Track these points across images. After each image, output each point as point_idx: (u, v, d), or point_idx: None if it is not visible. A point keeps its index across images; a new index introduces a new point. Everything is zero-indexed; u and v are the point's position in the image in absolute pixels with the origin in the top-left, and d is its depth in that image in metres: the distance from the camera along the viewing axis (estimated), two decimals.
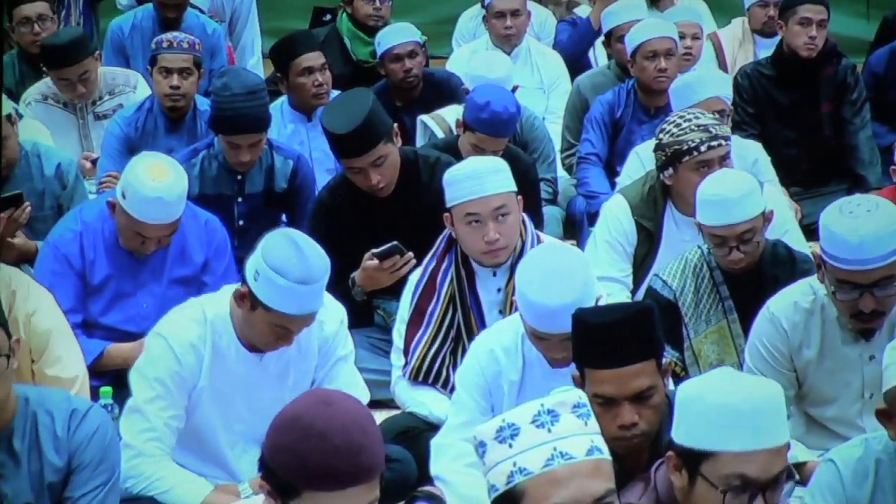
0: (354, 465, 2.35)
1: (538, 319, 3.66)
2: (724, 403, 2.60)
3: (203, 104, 5.99)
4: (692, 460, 2.63)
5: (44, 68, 6.33)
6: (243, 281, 3.70)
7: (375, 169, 4.84)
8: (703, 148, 4.64)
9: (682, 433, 2.65)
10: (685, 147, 4.65)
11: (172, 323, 3.84)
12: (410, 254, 4.70)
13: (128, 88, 6.28)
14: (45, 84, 6.40)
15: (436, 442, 3.95)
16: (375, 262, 4.73)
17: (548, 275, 3.64)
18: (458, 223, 4.32)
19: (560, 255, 3.79)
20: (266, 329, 3.71)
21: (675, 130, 4.70)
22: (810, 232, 5.14)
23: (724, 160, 4.67)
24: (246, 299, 3.69)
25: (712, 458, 2.60)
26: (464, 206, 4.29)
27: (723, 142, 4.67)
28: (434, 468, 3.90)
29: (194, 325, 3.80)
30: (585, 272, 3.71)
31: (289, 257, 3.62)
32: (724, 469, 2.58)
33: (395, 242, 4.73)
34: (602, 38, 7.02)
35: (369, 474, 2.38)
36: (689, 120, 4.70)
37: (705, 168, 4.61)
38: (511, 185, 4.32)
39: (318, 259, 3.67)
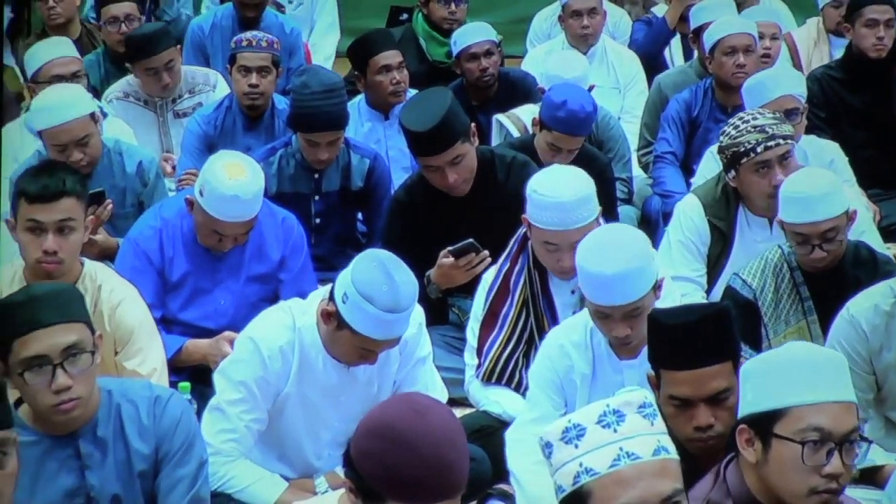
0: (442, 482, 2.39)
1: (596, 291, 3.67)
2: (790, 360, 2.63)
3: (281, 103, 6.04)
4: (765, 424, 2.64)
5: (128, 65, 6.41)
6: (331, 298, 3.70)
7: (452, 168, 4.85)
8: (759, 149, 4.62)
9: (751, 402, 2.67)
10: (742, 149, 4.64)
11: (262, 327, 3.85)
12: (485, 252, 4.71)
13: (207, 87, 6.35)
14: (126, 82, 6.48)
15: (509, 435, 3.97)
16: (451, 259, 4.75)
17: (604, 245, 3.68)
18: (535, 238, 4.30)
19: (617, 229, 3.86)
20: (350, 349, 3.73)
21: (733, 132, 4.69)
22: (889, 233, 5.11)
23: (784, 159, 4.64)
24: (332, 318, 3.69)
25: (785, 416, 2.61)
26: (543, 232, 4.25)
27: (781, 141, 4.64)
28: (508, 462, 3.92)
29: (284, 331, 3.81)
30: (643, 246, 3.73)
31: (379, 285, 3.60)
32: (798, 423, 2.60)
33: (470, 240, 4.75)
34: (678, 35, 7.00)
35: (455, 491, 2.41)
36: (747, 121, 4.69)
37: (764, 169, 4.60)
38: (594, 213, 4.26)
39: (407, 287, 3.64)
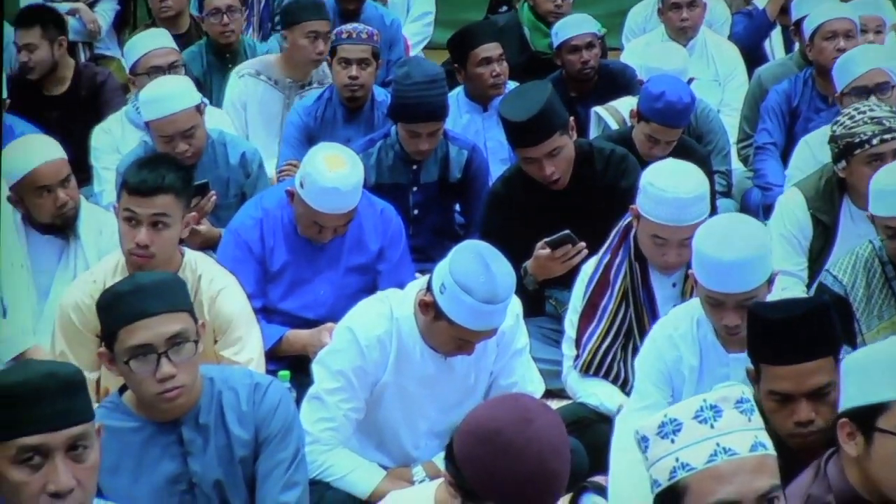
0: (544, 492, 2.43)
1: (712, 277, 3.65)
2: (891, 354, 2.60)
3: (380, 94, 6.07)
4: (867, 418, 2.61)
5: (283, 31, 6.49)
6: (428, 289, 3.72)
7: (550, 160, 4.85)
8: (874, 141, 4.56)
9: (853, 396, 2.64)
10: (857, 140, 4.58)
11: (361, 317, 3.88)
12: (582, 244, 4.70)
13: (328, 80, 6.39)
14: (259, 61, 6.58)
15: (618, 421, 3.97)
16: (547, 251, 4.75)
17: (725, 232, 3.66)
18: (643, 230, 4.27)
19: (739, 218, 3.84)
20: (447, 339, 3.74)
21: (848, 122, 4.63)
22: None
23: None
24: (430, 309, 3.71)
25: (888, 410, 2.60)
26: (654, 225, 4.22)
27: None
28: (612, 454, 3.91)
29: (382, 321, 3.83)
30: (763, 237, 3.73)
31: (477, 276, 3.61)
32: None
33: (567, 231, 4.74)
34: (779, 27, 6.92)
35: (554, 499, 2.45)
36: (864, 112, 4.63)
37: (877, 161, 4.53)
38: (706, 211, 4.22)
39: (505, 278, 3.64)
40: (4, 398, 2.41)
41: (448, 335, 3.72)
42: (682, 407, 2.44)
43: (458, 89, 6.22)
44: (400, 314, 3.83)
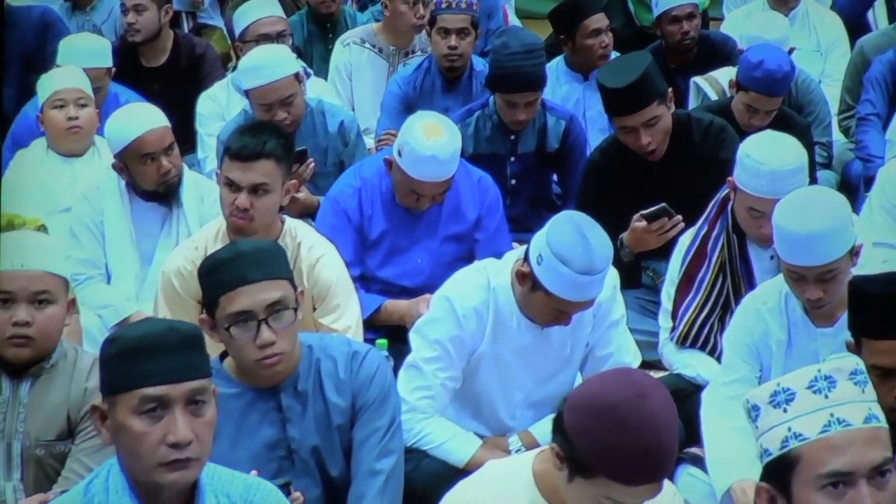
0: (657, 467, 2.45)
1: (791, 250, 3.62)
2: None
3: (479, 64, 6.08)
4: None
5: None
6: (526, 259, 3.72)
7: (647, 130, 4.83)
8: None
9: None
10: None
11: (458, 287, 3.89)
12: (678, 217, 4.68)
13: (420, 52, 6.41)
14: (362, 29, 6.63)
15: (705, 396, 3.96)
16: (644, 223, 4.74)
17: (802, 204, 3.63)
18: (740, 202, 4.24)
19: (816, 190, 3.80)
20: (544, 310, 3.75)
21: None
22: None
23: None
24: (527, 279, 3.71)
25: None
26: (751, 198, 4.18)
27: None
28: (702, 422, 3.90)
29: (479, 291, 3.85)
30: (841, 208, 3.67)
31: (574, 247, 3.61)
32: None
33: (663, 204, 4.72)
34: None
35: (666, 474, 2.49)
36: None
37: None
38: (804, 183, 4.15)
39: (602, 249, 3.63)
40: (129, 350, 2.46)
41: (545, 306, 3.73)
42: (796, 376, 2.43)
43: (558, 59, 6.21)
44: (497, 284, 3.84)
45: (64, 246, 4.11)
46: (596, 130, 5.86)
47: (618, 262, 4.41)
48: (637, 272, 4.97)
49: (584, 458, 2.46)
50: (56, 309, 3.36)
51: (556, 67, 6.13)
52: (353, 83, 6.50)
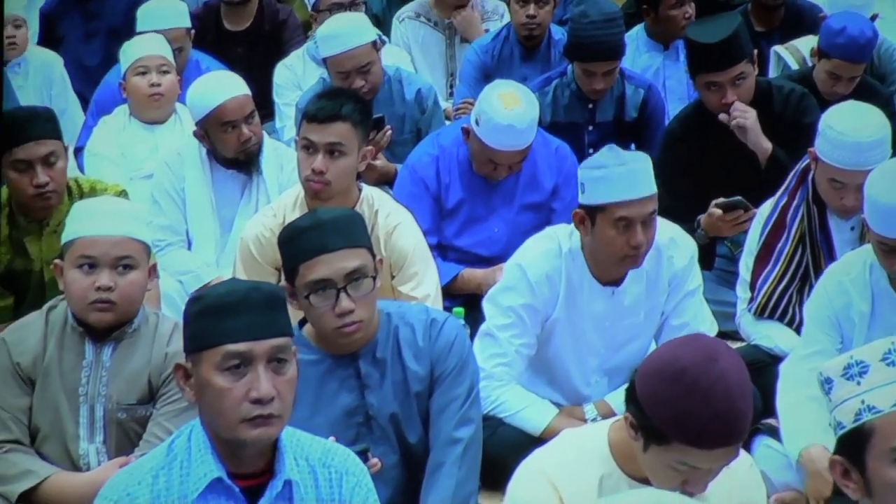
0: (731, 430, 2.44)
1: (882, 223, 3.60)
2: None
3: (557, 33, 6.06)
4: None
5: None
6: (579, 206, 3.79)
7: (734, 88, 4.82)
8: None
9: None
10: None
11: (530, 254, 3.92)
12: (754, 210, 4.63)
13: (495, 16, 6.42)
14: (417, 3, 6.64)
15: (783, 369, 3.94)
16: (719, 211, 4.71)
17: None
18: (821, 173, 4.19)
19: None
20: (612, 236, 3.74)
21: None
22: None
23: None
24: (584, 220, 3.76)
25: None
26: (832, 169, 4.13)
27: None
28: (778, 394, 3.90)
29: (551, 258, 3.87)
30: None
31: (605, 157, 3.72)
32: None
33: (739, 197, 4.69)
34: None
35: (739, 438, 2.48)
36: None
37: None
38: (887, 155, 4.13)
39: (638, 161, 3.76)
40: (212, 308, 2.49)
41: (608, 227, 3.72)
42: (870, 349, 2.42)
43: (638, 28, 6.18)
44: (567, 247, 3.86)
45: (145, 212, 4.16)
46: (675, 100, 5.82)
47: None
48: (711, 255, 4.93)
49: (657, 425, 2.46)
50: (138, 274, 3.39)
51: (636, 36, 6.10)
52: (412, 57, 6.50)
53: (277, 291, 2.57)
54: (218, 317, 2.48)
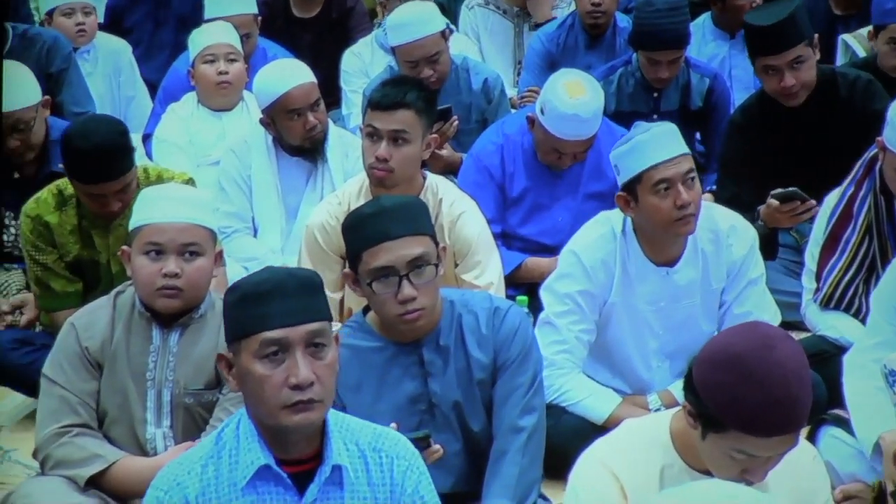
0: (788, 417, 2.43)
1: None
2: None
3: (623, 21, 6.05)
4: None
5: None
6: (622, 189, 3.81)
7: (791, 71, 4.78)
8: None
9: None
10: None
11: (583, 240, 3.94)
12: (812, 202, 4.60)
13: (563, 4, 6.41)
14: None
15: (847, 359, 3.92)
16: (776, 202, 4.68)
17: None
18: (889, 164, 4.13)
19: None
20: (657, 203, 3.74)
21: None
22: None
23: None
24: (628, 200, 3.78)
25: None
26: None
27: None
28: (844, 386, 3.87)
29: (605, 242, 3.88)
30: None
31: (639, 128, 3.75)
32: None
33: (795, 188, 4.65)
34: None
35: (797, 425, 2.46)
36: None
37: None
38: None
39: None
40: (248, 296, 2.51)
41: (652, 197, 3.73)
42: None
43: (704, 16, 6.16)
44: (621, 230, 3.88)
45: (211, 199, 4.19)
46: (741, 89, 5.79)
47: None
48: (773, 245, 4.90)
49: (714, 413, 2.46)
50: (204, 261, 3.41)
51: (702, 25, 6.08)
52: (481, 45, 6.51)
53: (313, 277, 2.59)
54: (254, 305, 2.50)
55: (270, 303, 2.49)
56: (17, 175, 4.80)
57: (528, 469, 3.26)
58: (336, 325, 3.94)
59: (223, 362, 2.59)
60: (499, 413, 3.29)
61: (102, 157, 4.04)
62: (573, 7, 6.31)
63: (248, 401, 2.55)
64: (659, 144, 3.75)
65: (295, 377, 2.47)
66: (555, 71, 4.98)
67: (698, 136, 5.61)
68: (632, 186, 3.77)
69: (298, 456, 2.56)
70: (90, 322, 3.43)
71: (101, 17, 6.62)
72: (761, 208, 4.74)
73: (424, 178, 4.26)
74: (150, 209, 3.43)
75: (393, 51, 5.35)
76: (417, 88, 4.20)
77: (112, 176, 4.05)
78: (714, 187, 5.24)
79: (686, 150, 3.80)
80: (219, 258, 3.52)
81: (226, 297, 2.58)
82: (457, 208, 4.23)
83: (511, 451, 3.26)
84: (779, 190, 4.68)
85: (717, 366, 2.46)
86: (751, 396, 2.41)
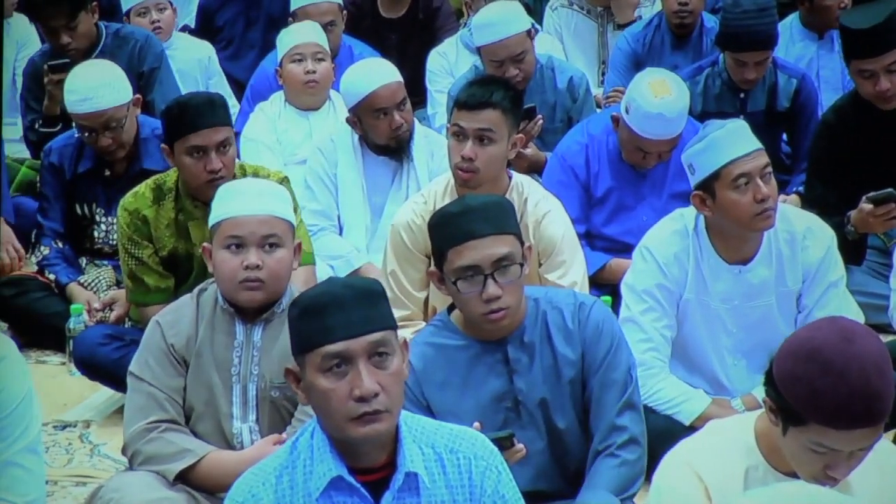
0: (868, 410, 2.40)
1: None
2: None
3: (709, 21, 6.02)
4: None
5: None
6: (699, 188, 3.78)
7: (888, 75, 4.74)
8: None
9: None
10: None
11: (657, 236, 3.94)
12: None
13: (647, 3, 6.39)
14: None
15: None
16: (870, 206, 4.63)
17: None
18: None
19: None
20: (737, 198, 3.72)
21: None
22: None
23: None
24: (704, 199, 3.77)
25: None
26: None
27: None
28: None
29: (678, 238, 3.88)
30: None
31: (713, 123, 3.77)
32: None
33: (890, 189, 4.60)
34: None
35: (878, 419, 2.43)
36: None
37: None
38: None
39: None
40: (308, 310, 2.51)
41: (732, 196, 3.71)
42: None
43: (792, 17, 6.12)
44: (694, 229, 3.87)
45: (288, 192, 4.22)
46: (829, 90, 5.75)
47: (843, 239, 4.34)
48: (861, 250, 4.85)
49: (793, 406, 2.45)
50: (284, 252, 3.44)
51: (789, 25, 6.03)
52: (564, 46, 6.51)
53: (372, 286, 2.57)
54: (313, 319, 2.50)
55: (329, 316, 2.49)
56: (108, 172, 4.89)
57: (629, 468, 3.23)
58: (420, 324, 4.00)
59: (291, 376, 2.60)
60: (596, 411, 3.27)
61: (203, 104, 4.23)
62: (658, 7, 6.30)
63: (317, 413, 2.56)
64: (735, 140, 3.74)
65: (358, 389, 2.46)
66: (640, 71, 4.97)
67: (784, 137, 5.57)
68: (709, 184, 3.75)
69: (372, 464, 2.56)
70: (175, 320, 3.47)
71: (190, 20, 6.71)
72: (851, 213, 4.70)
73: (510, 178, 4.26)
74: (228, 204, 3.46)
75: (478, 50, 5.37)
76: (504, 88, 4.21)
77: (211, 122, 4.17)
78: (801, 188, 5.21)
79: (760, 145, 3.78)
80: (298, 250, 3.53)
81: (289, 311, 2.59)
82: (542, 208, 4.22)
83: (612, 450, 3.23)
84: (873, 193, 4.63)
85: (797, 359, 2.45)
86: (829, 388, 2.40)
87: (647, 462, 3.27)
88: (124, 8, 6.33)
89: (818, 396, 2.41)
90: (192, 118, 4.15)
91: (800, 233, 3.90)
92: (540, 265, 4.21)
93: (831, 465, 2.48)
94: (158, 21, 6.25)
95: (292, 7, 5.97)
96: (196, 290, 3.54)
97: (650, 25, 6.10)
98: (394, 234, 4.27)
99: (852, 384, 2.39)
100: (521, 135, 4.36)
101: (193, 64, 6.34)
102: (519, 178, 4.31)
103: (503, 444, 3.00)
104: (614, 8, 6.54)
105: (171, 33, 6.32)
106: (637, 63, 5.91)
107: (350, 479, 2.52)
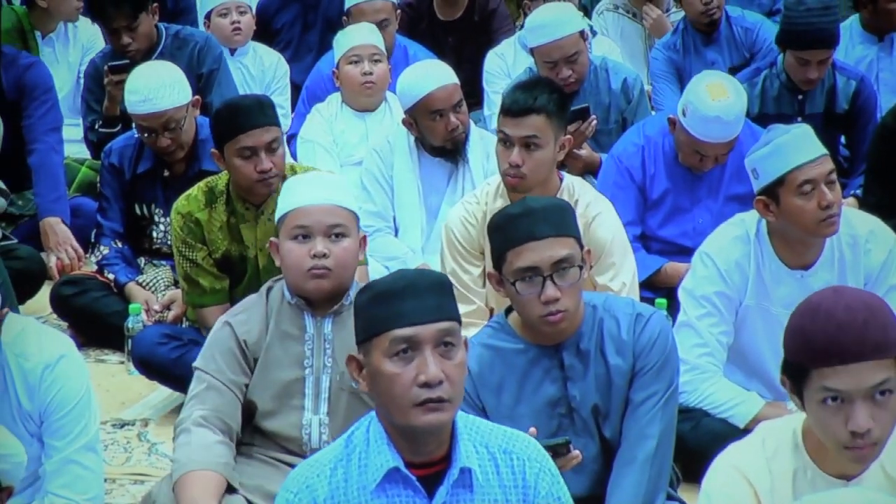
0: (858, 340, 2.43)
1: None
2: None
3: (732, 11, 6.05)
4: None
5: None
6: (762, 193, 3.77)
7: None
8: None
9: None
10: None
11: (717, 242, 3.92)
12: None
13: (674, 10, 6.39)
14: None
15: None
16: None
17: None
18: None
19: None
20: (801, 204, 3.71)
21: None
22: None
23: None
24: (768, 203, 3.75)
25: None
26: None
27: None
28: None
29: (738, 244, 3.86)
30: None
31: (779, 129, 3.74)
32: None
33: None
34: None
35: (875, 351, 2.44)
36: None
37: None
38: None
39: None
40: (379, 295, 2.54)
41: (797, 202, 3.70)
42: None
43: (852, 18, 6.09)
44: (755, 234, 3.85)
45: (352, 183, 4.23)
46: (888, 92, 5.72)
47: None
48: None
49: (794, 362, 2.50)
50: (350, 242, 3.46)
51: (849, 27, 6.00)
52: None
53: (443, 279, 2.61)
54: (385, 303, 2.52)
55: (401, 301, 2.51)
56: (166, 173, 4.92)
57: (655, 478, 3.23)
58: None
59: (353, 363, 2.61)
60: (630, 419, 3.25)
61: (253, 105, 4.26)
62: (682, 13, 6.32)
63: (378, 401, 2.57)
64: (800, 146, 3.72)
65: (424, 374, 2.48)
66: (683, 75, 4.96)
67: (842, 139, 5.54)
68: (773, 189, 3.74)
69: (428, 459, 2.57)
70: (246, 318, 3.49)
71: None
72: None
73: (561, 180, 4.25)
74: (293, 196, 3.49)
75: (531, 52, 5.37)
76: (548, 91, 4.19)
77: (261, 122, 4.19)
78: (859, 192, 5.18)
79: (825, 150, 3.76)
80: (363, 242, 3.56)
81: (357, 297, 2.60)
82: (592, 210, 4.21)
83: (640, 458, 3.22)
84: None
85: (793, 317, 2.54)
86: (818, 328, 2.45)
87: (696, 467, 3.25)
88: (206, 8, 6.38)
89: (808, 340, 2.47)
90: (242, 119, 4.19)
91: (862, 236, 3.88)
92: (590, 267, 4.20)
93: (850, 417, 2.47)
94: (238, 22, 6.30)
95: (346, 5, 6.00)
96: (264, 288, 3.56)
97: (677, 31, 6.15)
98: (447, 233, 4.29)
99: (839, 319, 2.44)
100: (569, 136, 4.35)
101: (268, 67, 6.38)
102: (570, 180, 4.30)
103: (559, 451, 3.00)
104: (652, 30, 6.55)
105: (249, 37, 6.37)
106: (678, 68, 5.94)
107: (406, 471, 2.54)
